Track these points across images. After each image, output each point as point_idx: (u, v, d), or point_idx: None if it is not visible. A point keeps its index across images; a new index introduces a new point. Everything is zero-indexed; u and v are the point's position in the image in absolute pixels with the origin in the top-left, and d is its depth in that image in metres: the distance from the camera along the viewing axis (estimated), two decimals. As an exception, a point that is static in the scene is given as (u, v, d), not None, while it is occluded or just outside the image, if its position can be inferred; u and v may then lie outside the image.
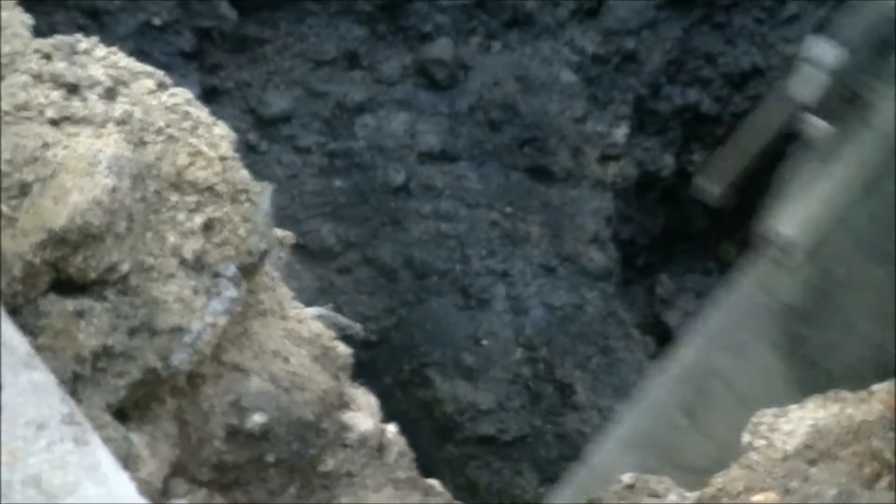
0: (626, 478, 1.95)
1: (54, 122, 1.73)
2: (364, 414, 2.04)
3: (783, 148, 3.49)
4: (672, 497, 1.91)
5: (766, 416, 1.93)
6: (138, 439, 1.73)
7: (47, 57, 1.82)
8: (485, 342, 6.31)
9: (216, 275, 1.79)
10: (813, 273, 3.24)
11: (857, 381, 3.17)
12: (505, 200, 6.52)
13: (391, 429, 2.08)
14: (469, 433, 6.21)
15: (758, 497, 1.72)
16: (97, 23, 5.87)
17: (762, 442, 1.88)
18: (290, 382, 1.90)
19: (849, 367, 3.18)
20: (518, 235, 6.49)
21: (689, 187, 5.51)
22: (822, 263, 3.22)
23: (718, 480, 1.82)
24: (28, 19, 1.85)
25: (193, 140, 1.82)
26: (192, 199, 1.79)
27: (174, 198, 1.78)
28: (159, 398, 1.78)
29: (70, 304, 1.67)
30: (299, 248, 5.49)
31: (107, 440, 1.57)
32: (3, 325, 1.48)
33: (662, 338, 6.43)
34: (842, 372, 3.19)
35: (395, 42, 6.50)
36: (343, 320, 2.31)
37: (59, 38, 1.86)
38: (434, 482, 2.06)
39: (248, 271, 1.85)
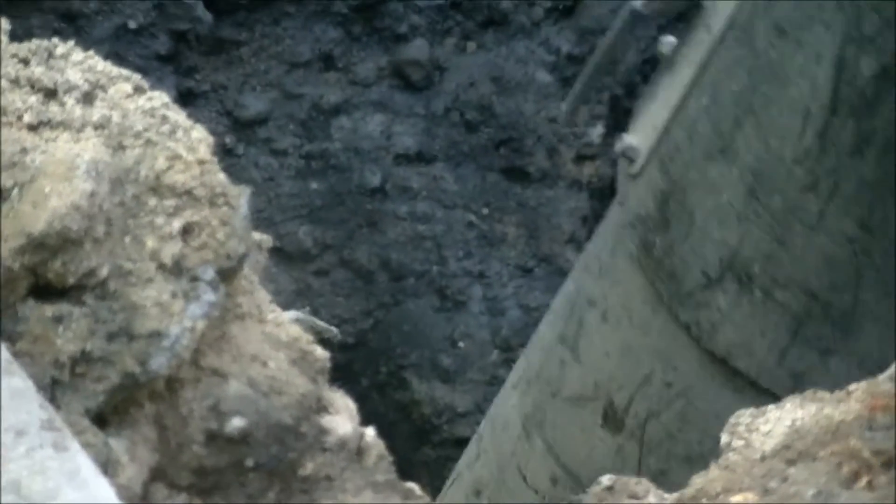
0: (605, 479, 1.95)
1: (32, 127, 1.73)
2: (343, 417, 2.03)
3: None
4: (651, 498, 1.91)
5: (743, 416, 1.93)
6: (117, 444, 1.72)
7: (24, 62, 1.81)
8: (462, 344, 6.31)
9: (195, 279, 1.79)
10: (659, 178, 3.20)
11: (709, 286, 3.11)
12: (481, 201, 6.52)
13: (370, 432, 2.07)
14: (447, 435, 6.22)
15: (737, 498, 1.72)
16: (73, 26, 5.85)
17: (740, 442, 1.88)
18: (269, 386, 1.90)
19: (700, 270, 3.11)
20: (495, 236, 6.49)
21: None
22: (666, 167, 3.18)
23: (697, 481, 1.82)
24: (4, 23, 1.85)
25: (171, 144, 1.81)
26: (170, 203, 1.78)
27: (152, 202, 1.77)
28: (138, 403, 1.78)
29: (49, 310, 1.67)
30: (276, 251, 5.48)
31: (86, 445, 1.56)
32: (-19, 332, 1.48)
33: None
34: (689, 274, 3.14)
35: (371, 43, 6.49)
36: (320, 324, 2.31)
37: (36, 43, 1.85)
38: (413, 486, 2.05)
39: (227, 275, 1.85)
